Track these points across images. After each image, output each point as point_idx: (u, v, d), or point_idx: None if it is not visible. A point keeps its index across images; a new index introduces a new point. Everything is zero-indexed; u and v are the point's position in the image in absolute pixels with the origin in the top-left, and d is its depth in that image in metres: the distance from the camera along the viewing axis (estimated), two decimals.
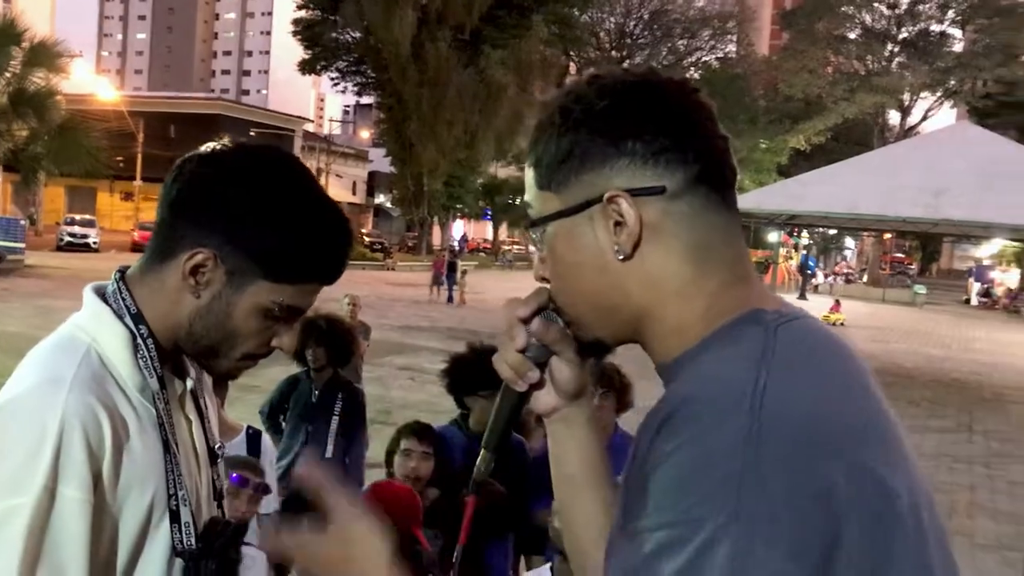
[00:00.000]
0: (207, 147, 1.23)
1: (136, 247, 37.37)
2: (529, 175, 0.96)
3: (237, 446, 3.95)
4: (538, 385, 1.00)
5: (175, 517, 1.16)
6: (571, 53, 53.57)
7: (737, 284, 0.90)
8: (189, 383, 1.28)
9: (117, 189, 53.38)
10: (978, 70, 46.18)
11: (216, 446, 1.33)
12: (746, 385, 0.76)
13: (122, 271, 1.25)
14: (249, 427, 4.09)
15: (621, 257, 0.89)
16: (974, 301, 44.53)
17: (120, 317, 1.19)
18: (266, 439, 4.04)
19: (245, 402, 6.40)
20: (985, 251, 49.22)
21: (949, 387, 15.82)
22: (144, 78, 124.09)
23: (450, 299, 24.41)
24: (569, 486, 1.06)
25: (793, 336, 0.83)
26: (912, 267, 65.67)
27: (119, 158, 50.51)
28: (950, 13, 48.64)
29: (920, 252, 67.68)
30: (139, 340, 1.18)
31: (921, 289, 43.20)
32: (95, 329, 1.18)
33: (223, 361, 1.23)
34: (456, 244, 48.41)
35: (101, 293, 1.22)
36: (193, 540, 1.17)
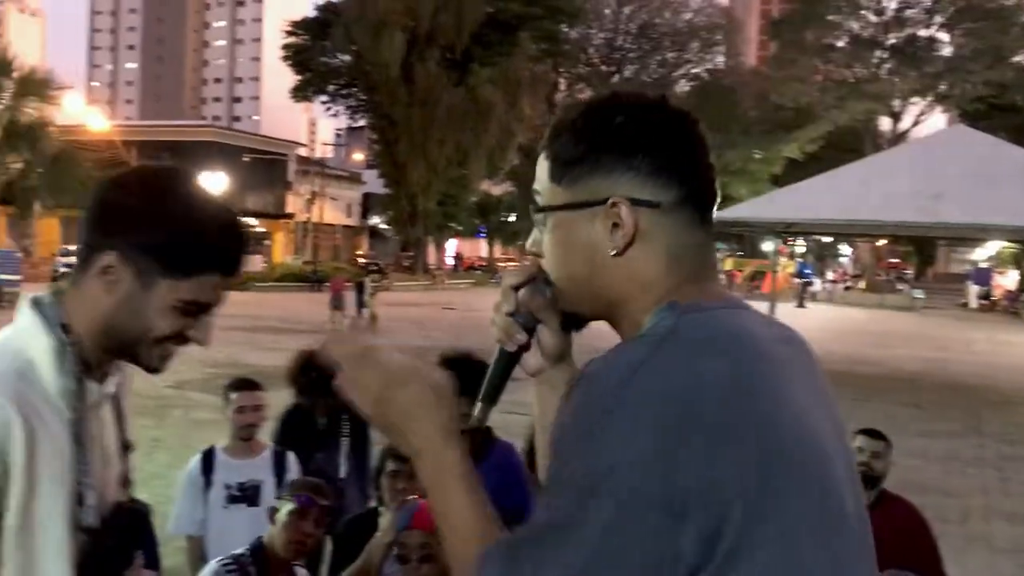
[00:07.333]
0: (112, 173, 1.42)
1: None
2: (543, 166, 1.08)
3: (263, 463, 3.94)
4: (526, 347, 1.14)
5: (80, 500, 1.32)
6: (560, 69, 53.78)
7: (690, 283, 1.03)
8: (110, 387, 1.43)
9: None
10: (967, 73, 46.25)
11: (127, 441, 1.50)
12: (631, 363, 0.91)
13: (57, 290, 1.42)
14: (275, 445, 4.17)
15: (613, 253, 1.03)
16: (973, 304, 44.40)
17: (50, 327, 1.34)
18: (290, 456, 4.10)
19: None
20: (981, 254, 49.12)
21: (955, 390, 15.69)
22: (135, 108, 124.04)
23: None
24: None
25: (696, 323, 0.97)
26: (908, 272, 65.42)
27: None
28: (937, 18, 48.82)
29: (916, 256, 67.57)
30: (63, 348, 1.33)
31: (919, 293, 43.11)
32: (26, 337, 1.35)
33: (145, 353, 1.37)
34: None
35: (37, 304, 1.38)
36: (95, 520, 1.34)
